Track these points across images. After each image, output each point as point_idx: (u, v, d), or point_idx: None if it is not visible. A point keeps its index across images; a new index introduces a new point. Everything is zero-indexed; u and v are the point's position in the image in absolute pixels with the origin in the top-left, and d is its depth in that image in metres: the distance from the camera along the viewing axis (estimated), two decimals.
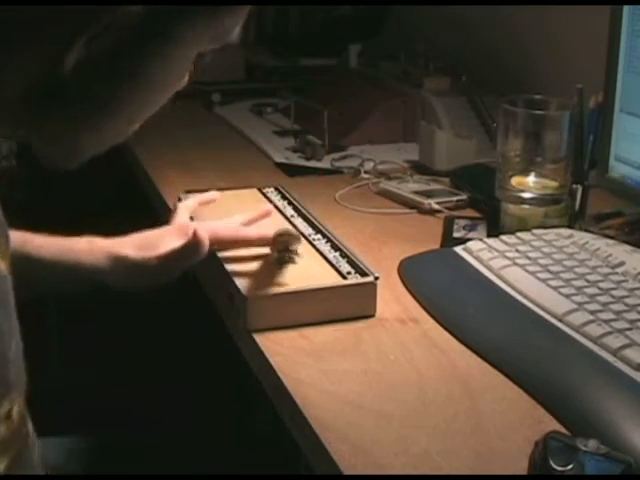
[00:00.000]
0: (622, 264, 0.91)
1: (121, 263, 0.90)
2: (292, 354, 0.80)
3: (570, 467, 0.59)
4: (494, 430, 0.69)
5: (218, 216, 1.04)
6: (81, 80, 0.52)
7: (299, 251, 0.92)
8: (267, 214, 1.02)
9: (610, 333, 0.78)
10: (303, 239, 0.98)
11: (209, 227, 0.93)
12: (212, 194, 1.07)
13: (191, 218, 1.00)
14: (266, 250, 0.95)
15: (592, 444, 0.60)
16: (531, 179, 1.05)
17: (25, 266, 0.77)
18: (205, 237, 0.87)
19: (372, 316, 0.87)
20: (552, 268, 0.92)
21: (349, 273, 0.89)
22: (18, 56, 0.50)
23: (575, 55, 1.43)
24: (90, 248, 0.91)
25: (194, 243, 0.87)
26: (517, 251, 0.96)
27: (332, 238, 0.98)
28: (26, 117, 0.54)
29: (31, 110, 0.54)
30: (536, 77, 1.52)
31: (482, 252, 0.97)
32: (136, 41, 0.52)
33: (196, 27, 0.54)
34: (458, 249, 1.00)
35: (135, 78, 0.54)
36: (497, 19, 1.66)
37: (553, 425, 0.69)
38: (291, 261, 0.91)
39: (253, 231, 0.97)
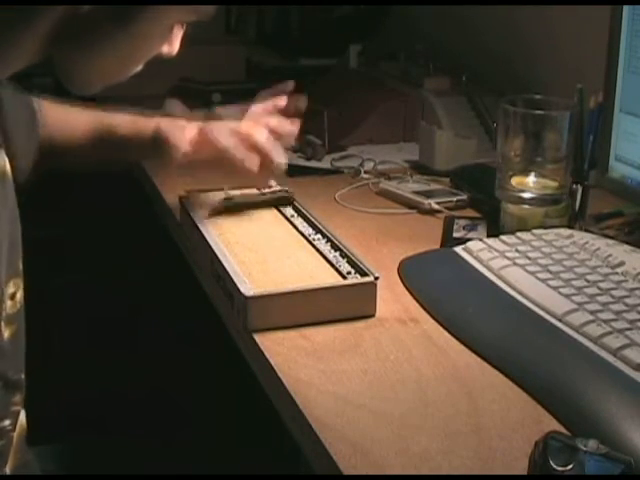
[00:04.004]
0: (622, 264, 0.92)
1: (159, 139, 1.02)
2: (292, 354, 0.80)
3: (570, 467, 0.59)
4: (494, 430, 0.69)
5: (219, 213, 1.04)
6: (90, 22, 0.66)
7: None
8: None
9: (610, 333, 0.78)
10: (303, 239, 0.98)
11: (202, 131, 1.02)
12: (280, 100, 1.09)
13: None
14: (266, 249, 0.95)
15: (592, 444, 0.60)
16: (531, 179, 1.05)
17: (106, 139, 1.04)
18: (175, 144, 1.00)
19: (372, 316, 0.87)
20: (552, 268, 0.92)
21: (349, 273, 0.89)
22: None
23: (575, 55, 1.43)
24: (151, 132, 1.03)
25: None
26: (517, 251, 0.96)
27: (332, 238, 0.98)
28: (47, 48, 0.67)
29: (51, 42, 0.66)
30: (536, 77, 1.52)
31: (482, 252, 0.97)
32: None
33: (168, 8, 0.68)
34: (458, 249, 1.00)
35: (127, 28, 0.68)
36: (497, 19, 1.66)
37: (553, 425, 0.69)
38: None
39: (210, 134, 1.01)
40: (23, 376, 0.81)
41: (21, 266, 0.79)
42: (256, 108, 1.07)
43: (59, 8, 0.64)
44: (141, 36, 0.70)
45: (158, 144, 1.01)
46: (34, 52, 0.67)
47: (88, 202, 1.89)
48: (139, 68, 0.75)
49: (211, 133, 1.01)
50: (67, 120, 1.05)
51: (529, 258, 0.94)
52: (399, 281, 0.96)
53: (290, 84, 1.09)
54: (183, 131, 1.01)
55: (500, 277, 0.92)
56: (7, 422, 0.79)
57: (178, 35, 0.75)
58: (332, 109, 1.47)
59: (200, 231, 0.99)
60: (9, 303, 0.76)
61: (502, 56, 1.63)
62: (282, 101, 1.08)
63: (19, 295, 0.78)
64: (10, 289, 0.76)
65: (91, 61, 0.71)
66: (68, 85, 0.73)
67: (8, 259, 0.75)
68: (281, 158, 1.02)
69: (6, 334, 0.76)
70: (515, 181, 1.06)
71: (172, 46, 0.76)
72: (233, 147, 1.00)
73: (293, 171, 1.36)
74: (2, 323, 0.75)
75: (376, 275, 0.87)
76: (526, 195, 1.05)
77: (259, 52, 2.04)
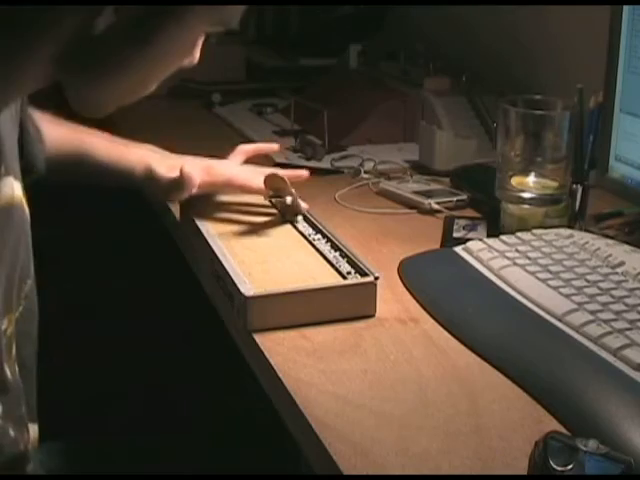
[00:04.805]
0: (622, 264, 0.92)
1: (151, 177, 1.05)
2: (292, 354, 0.80)
3: (570, 467, 0.59)
4: (494, 430, 0.69)
5: (219, 213, 1.04)
6: (105, 44, 0.61)
7: (289, 199, 1.03)
8: (274, 149, 1.17)
9: (610, 333, 0.78)
10: (303, 239, 0.98)
11: (207, 167, 1.07)
12: (272, 145, 1.19)
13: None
14: (266, 249, 0.95)
15: (592, 444, 0.60)
16: (531, 179, 1.05)
17: (85, 165, 1.05)
18: (190, 177, 1.01)
19: (372, 316, 0.87)
20: (552, 268, 0.92)
21: (349, 273, 0.89)
22: (59, 22, 0.59)
23: (575, 55, 1.43)
24: (138, 160, 1.06)
25: (180, 180, 1.01)
26: (517, 251, 0.96)
27: (332, 238, 0.98)
28: (59, 70, 0.63)
29: (61, 66, 0.62)
30: (536, 77, 1.52)
31: (482, 252, 0.97)
32: (147, 16, 0.61)
33: (196, 14, 0.63)
34: (458, 249, 1.00)
35: (146, 47, 0.63)
36: (497, 19, 1.66)
37: (553, 425, 0.69)
38: (282, 204, 1.03)
39: (241, 178, 1.07)
40: (27, 407, 0.77)
41: (15, 300, 0.73)
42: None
43: (65, 32, 0.59)
44: (163, 56, 0.65)
45: (149, 180, 1.05)
46: (42, 77, 0.63)
47: (87, 202, 1.89)
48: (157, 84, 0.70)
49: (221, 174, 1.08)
50: (52, 135, 1.03)
51: (529, 258, 0.94)
52: (399, 281, 0.96)
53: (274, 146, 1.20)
54: (192, 170, 1.03)
55: (500, 277, 0.92)
56: (31, 466, 0.76)
57: (199, 44, 0.70)
58: (332, 109, 1.47)
59: (200, 231, 0.99)
60: (4, 340, 0.71)
61: (502, 56, 1.63)
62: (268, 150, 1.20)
63: (10, 330, 0.73)
64: (3, 325, 0.71)
65: (107, 84, 0.65)
66: (78, 108, 0.68)
67: (4, 295, 0.70)
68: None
69: (9, 372, 0.71)
70: (515, 181, 1.06)
71: (193, 56, 0.70)
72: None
73: None
74: (5, 363, 0.71)
75: (376, 275, 0.87)
76: (526, 195, 1.05)
77: (259, 52, 2.04)
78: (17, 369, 0.75)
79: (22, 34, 0.59)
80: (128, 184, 1.07)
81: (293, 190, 1.03)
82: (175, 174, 1.02)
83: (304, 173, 1.13)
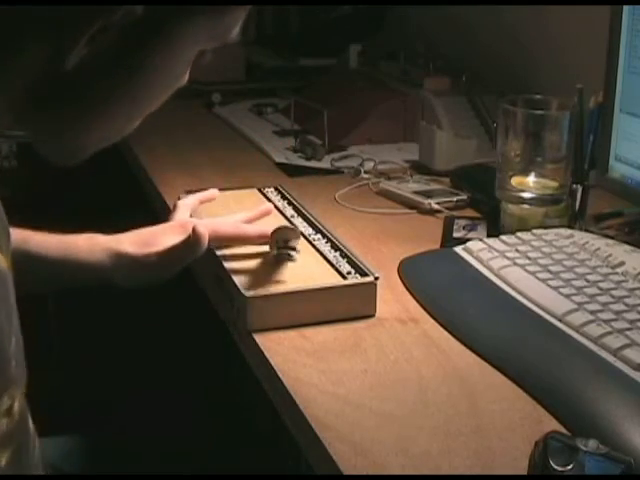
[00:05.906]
0: (622, 264, 0.92)
1: (122, 260, 0.90)
2: (292, 354, 0.80)
3: (570, 467, 0.59)
4: (494, 430, 0.69)
5: (218, 216, 1.04)
6: (82, 79, 0.53)
7: (298, 248, 0.92)
8: (267, 212, 1.03)
9: (610, 333, 0.78)
10: (303, 239, 0.98)
11: (208, 224, 0.93)
12: (212, 192, 1.07)
13: (190, 216, 1.00)
14: (266, 248, 0.95)
15: (592, 444, 0.60)
16: (531, 179, 1.05)
17: (26, 263, 0.82)
18: (205, 233, 0.87)
19: (372, 316, 0.87)
20: (552, 268, 0.92)
21: (349, 273, 0.89)
22: (19, 55, 0.51)
23: (575, 55, 1.43)
24: (90, 245, 0.91)
25: (193, 239, 0.87)
26: (517, 251, 0.96)
27: (332, 238, 0.98)
28: (27, 114, 0.55)
29: (32, 107, 0.54)
30: (536, 77, 1.52)
31: (482, 252, 0.97)
32: (136, 40, 0.53)
33: (196, 26, 0.55)
34: (458, 249, 1.00)
35: (135, 77, 0.55)
36: (497, 19, 1.66)
37: (553, 425, 0.69)
38: (290, 258, 0.91)
39: (253, 229, 0.97)
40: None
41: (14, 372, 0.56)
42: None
43: (31, 68, 0.51)
44: (151, 86, 0.57)
45: (121, 263, 0.90)
46: (5, 122, 0.56)
47: (87, 202, 1.89)
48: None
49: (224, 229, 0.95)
50: None
51: (529, 258, 0.94)
52: (399, 281, 0.96)
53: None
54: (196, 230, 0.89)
55: (500, 277, 0.92)
56: None
57: (191, 63, 0.61)
58: (332, 109, 1.47)
59: None
60: (4, 421, 0.55)
61: (502, 56, 1.63)
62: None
63: (16, 406, 0.56)
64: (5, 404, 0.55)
65: (86, 127, 0.57)
66: (52, 157, 0.59)
67: None
68: None
69: (2, 461, 0.55)
70: (515, 181, 1.06)
71: (184, 78, 0.61)
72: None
73: (293, 171, 1.36)
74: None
75: (376, 275, 0.87)
76: (526, 195, 1.05)
77: (259, 52, 2.04)
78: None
79: None
80: (85, 281, 0.92)
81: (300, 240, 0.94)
82: (147, 249, 0.90)
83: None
